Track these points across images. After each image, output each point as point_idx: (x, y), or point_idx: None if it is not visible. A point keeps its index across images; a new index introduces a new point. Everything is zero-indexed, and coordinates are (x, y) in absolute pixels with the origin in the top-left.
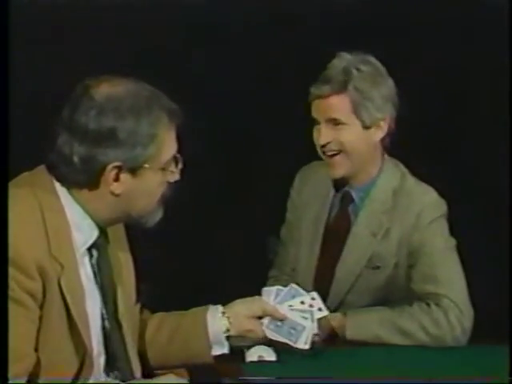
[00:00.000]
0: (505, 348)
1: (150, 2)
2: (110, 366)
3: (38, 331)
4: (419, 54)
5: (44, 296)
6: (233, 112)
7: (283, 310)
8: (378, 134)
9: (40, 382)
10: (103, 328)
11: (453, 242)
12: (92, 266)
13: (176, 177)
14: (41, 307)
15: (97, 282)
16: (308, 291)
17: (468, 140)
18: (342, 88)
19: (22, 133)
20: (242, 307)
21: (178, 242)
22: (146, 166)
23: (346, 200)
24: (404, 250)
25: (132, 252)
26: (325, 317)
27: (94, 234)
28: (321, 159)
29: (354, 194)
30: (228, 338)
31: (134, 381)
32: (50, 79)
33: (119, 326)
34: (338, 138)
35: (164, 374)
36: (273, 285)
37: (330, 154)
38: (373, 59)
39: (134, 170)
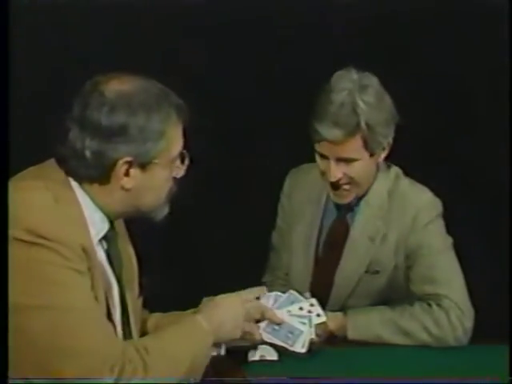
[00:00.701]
0: (505, 348)
1: (150, 1)
2: None
3: None
4: (418, 53)
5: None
6: (234, 110)
7: (281, 314)
8: (382, 155)
9: (40, 382)
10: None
11: (450, 240)
12: (105, 256)
13: (182, 172)
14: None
15: (112, 273)
16: (305, 296)
17: (468, 139)
18: (357, 130)
19: (22, 132)
20: None
21: (178, 242)
22: (156, 161)
23: (344, 208)
24: (402, 253)
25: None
26: (324, 322)
27: (105, 226)
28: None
29: (351, 203)
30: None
31: None
32: (50, 79)
33: (127, 317)
34: (349, 174)
35: None
36: (268, 290)
37: (338, 186)
38: (371, 79)
39: (143, 165)
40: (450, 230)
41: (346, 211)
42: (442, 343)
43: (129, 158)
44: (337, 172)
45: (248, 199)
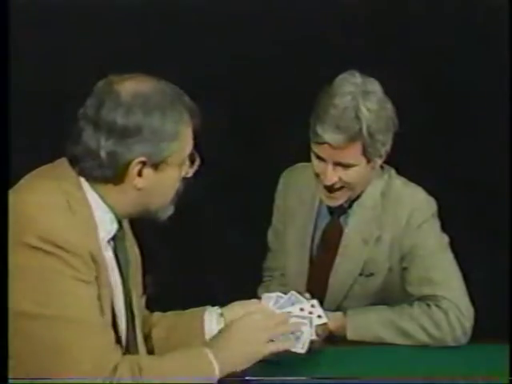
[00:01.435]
0: (505, 348)
1: (151, 1)
2: None
3: None
4: (418, 54)
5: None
6: (240, 109)
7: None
8: (379, 162)
9: (40, 382)
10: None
11: (446, 239)
12: (113, 257)
13: (191, 173)
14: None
15: (119, 273)
16: (306, 297)
17: (468, 139)
18: (357, 137)
19: (22, 132)
20: (240, 309)
21: (178, 242)
22: (169, 161)
23: (338, 210)
24: (397, 254)
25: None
26: (324, 323)
27: (114, 227)
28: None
29: (344, 204)
30: None
31: None
32: (50, 79)
33: (133, 316)
34: (345, 179)
35: None
36: (264, 290)
37: (331, 189)
38: (374, 84)
39: (156, 166)
40: (449, 229)
41: (339, 213)
42: (442, 343)
43: (143, 158)
44: (333, 176)
45: (251, 198)
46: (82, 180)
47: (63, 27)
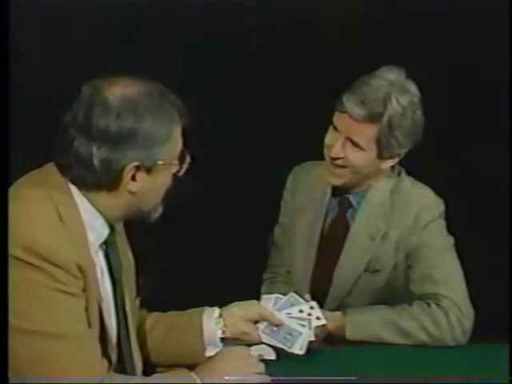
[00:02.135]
0: (505, 347)
1: (151, 2)
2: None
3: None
4: (418, 54)
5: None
6: (233, 109)
7: (280, 316)
8: (389, 163)
9: (40, 381)
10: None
11: (451, 240)
12: (104, 261)
13: (182, 171)
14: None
15: (110, 277)
16: (305, 299)
17: (468, 139)
18: (377, 119)
19: (22, 133)
20: (239, 310)
21: (178, 242)
22: (160, 162)
23: (344, 205)
24: (402, 252)
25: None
26: (323, 325)
27: (105, 231)
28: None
29: (352, 199)
30: (223, 339)
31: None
32: (50, 79)
33: (126, 319)
34: (350, 158)
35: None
36: (268, 287)
37: (335, 164)
38: (415, 88)
39: (149, 168)
40: (450, 229)
41: (346, 208)
42: (441, 343)
43: (136, 163)
44: (340, 150)
45: (247, 198)
46: (72, 186)
47: (63, 27)
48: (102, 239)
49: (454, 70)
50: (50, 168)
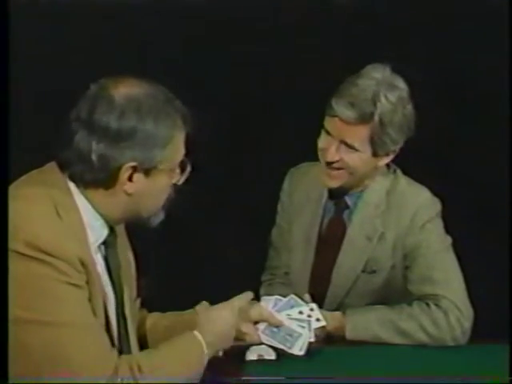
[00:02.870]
0: (505, 347)
1: (151, 2)
2: None
3: None
4: (418, 54)
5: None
6: (235, 111)
7: (280, 317)
8: (385, 160)
9: (40, 381)
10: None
11: (448, 240)
12: (103, 261)
13: (182, 179)
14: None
15: (109, 278)
16: (305, 300)
17: (468, 139)
18: (369, 119)
19: (22, 133)
20: (239, 310)
21: (178, 242)
22: (160, 167)
23: (341, 206)
24: (399, 252)
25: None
26: (323, 326)
27: (105, 232)
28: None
29: (348, 200)
30: None
31: None
32: (50, 79)
33: (125, 319)
34: (346, 160)
35: None
36: (266, 289)
37: (331, 167)
38: (402, 83)
39: (147, 171)
40: (449, 229)
41: (342, 209)
42: (440, 343)
43: (134, 163)
44: (335, 154)
45: (248, 198)
46: (72, 186)
47: (63, 27)
48: (101, 240)
49: (454, 69)
50: (52, 167)
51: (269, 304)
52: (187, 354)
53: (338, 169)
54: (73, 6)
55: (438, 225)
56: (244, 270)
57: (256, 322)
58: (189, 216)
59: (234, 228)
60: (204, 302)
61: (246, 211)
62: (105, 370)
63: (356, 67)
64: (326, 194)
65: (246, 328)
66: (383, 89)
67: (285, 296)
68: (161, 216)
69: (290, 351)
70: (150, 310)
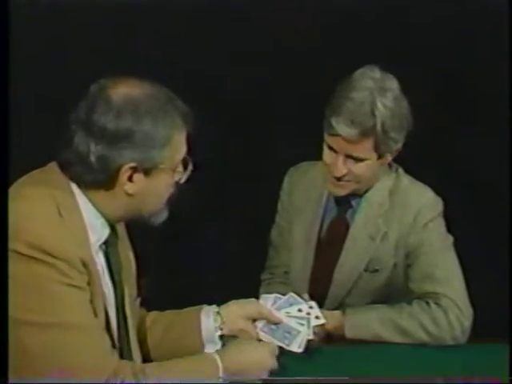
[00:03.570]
0: (504, 347)
1: (151, 2)
2: None
3: None
4: (418, 53)
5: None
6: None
7: (279, 315)
8: (389, 158)
9: (40, 381)
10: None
11: (450, 239)
12: (104, 261)
13: (184, 178)
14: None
15: (109, 277)
16: (304, 299)
17: (468, 139)
18: (371, 132)
19: (22, 133)
20: (237, 307)
21: (178, 242)
22: (160, 167)
23: (344, 206)
24: (402, 251)
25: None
26: (322, 324)
27: (106, 232)
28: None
29: (351, 200)
30: (222, 337)
31: None
32: (50, 79)
33: (125, 319)
34: (354, 171)
35: None
36: (266, 288)
37: (340, 179)
38: (392, 82)
39: (147, 171)
40: (450, 229)
41: (345, 209)
42: (440, 342)
43: (133, 164)
44: (343, 168)
45: (248, 198)
46: (73, 186)
47: (63, 27)
48: (103, 239)
49: (454, 68)
50: (53, 167)
51: (268, 302)
52: (199, 373)
53: (347, 181)
54: (73, 6)
55: (440, 224)
56: (244, 270)
57: (254, 320)
58: (189, 216)
59: (235, 227)
60: (205, 305)
61: (246, 210)
62: (104, 372)
63: (355, 67)
64: (326, 194)
65: (245, 325)
66: (378, 95)
67: (284, 294)
68: (164, 215)
69: (289, 348)
70: (150, 310)
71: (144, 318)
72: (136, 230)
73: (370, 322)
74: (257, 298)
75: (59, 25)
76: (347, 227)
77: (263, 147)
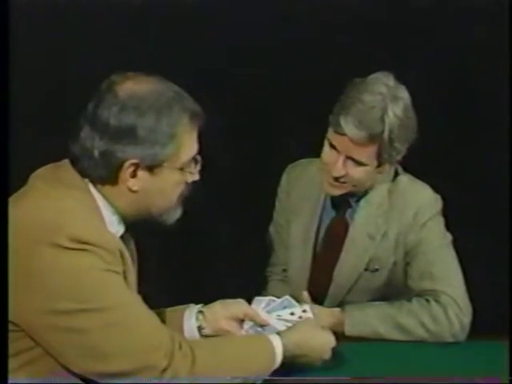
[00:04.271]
0: (504, 344)
1: (151, 2)
2: None
3: None
4: (417, 54)
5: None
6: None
7: (269, 318)
8: (387, 168)
9: (40, 382)
10: None
11: (449, 237)
12: None
13: (195, 177)
14: None
15: None
16: (303, 297)
17: (468, 138)
18: (377, 138)
19: (22, 133)
20: (221, 307)
21: (178, 242)
22: (164, 164)
23: (343, 206)
24: (401, 250)
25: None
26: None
27: (121, 228)
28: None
29: (350, 200)
30: (206, 336)
31: None
32: (50, 79)
33: None
34: (352, 175)
35: None
36: (266, 285)
37: (336, 180)
38: (404, 92)
39: (151, 168)
40: (450, 227)
41: (345, 209)
42: (439, 339)
43: (135, 160)
44: (342, 169)
45: (248, 198)
46: (87, 182)
47: (63, 27)
48: (119, 235)
49: (454, 68)
50: (66, 165)
51: (261, 304)
52: (249, 347)
53: (344, 182)
54: (73, 6)
55: (439, 222)
56: (244, 269)
57: (242, 321)
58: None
59: (234, 227)
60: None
61: (247, 209)
62: (163, 341)
63: (358, 69)
64: (324, 192)
65: (228, 325)
66: (390, 103)
67: (283, 294)
68: (176, 214)
69: None
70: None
71: None
72: (135, 229)
73: (370, 319)
74: (259, 295)
75: (59, 25)
76: (346, 227)
77: (275, 145)
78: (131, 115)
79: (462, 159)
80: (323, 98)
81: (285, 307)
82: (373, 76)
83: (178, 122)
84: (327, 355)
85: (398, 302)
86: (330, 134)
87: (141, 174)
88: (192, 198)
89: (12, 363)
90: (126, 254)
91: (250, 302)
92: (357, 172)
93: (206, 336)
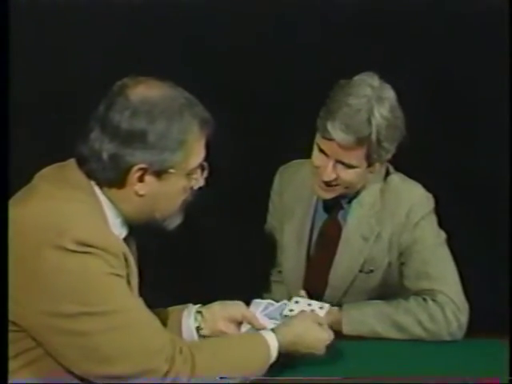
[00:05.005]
0: (503, 342)
1: (151, 2)
2: None
3: None
4: (418, 53)
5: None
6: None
7: (267, 322)
8: (377, 167)
9: (40, 382)
10: None
11: (443, 236)
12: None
13: (200, 183)
14: None
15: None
16: (301, 295)
17: (468, 138)
18: (365, 141)
19: (22, 133)
20: (220, 308)
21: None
22: (172, 170)
23: (335, 208)
24: (395, 250)
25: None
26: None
27: (124, 231)
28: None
29: (342, 201)
30: (204, 337)
31: None
32: (50, 79)
33: None
34: (343, 177)
35: None
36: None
37: (328, 184)
38: (390, 92)
39: (159, 174)
40: (449, 226)
41: (337, 210)
42: (437, 338)
43: (143, 165)
44: (332, 173)
45: (248, 198)
46: (93, 184)
47: (63, 27)
48: (122, 237)
49: (454, 68)
50: (72, 165)
51: (259, 307)
52: (247, 346)
53: (335, 185)
54: (73, 6)
55: (433, 221)
56: (244, 270)
57: (240, 323)
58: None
59: (235, 227)
60: (190, 304)
61: (247, 210)
62: (164, 344)
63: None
64: (315, 194)
65: (225, 327)
66: (376, 104)
67: (280, 295)
68: (178, 219)
69: None
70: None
71: None
72: (135, 229)
73: (367, 318)
74: (259, 297)
75: (59, 25)
76: (340, 229)
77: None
78: (142, 120)
79: (462, 159)
80: (323, 98)
81: (281, 312)
82: (357, 77)
83: (189, 128)
84: (321, 351)
85: (395, 300)
86: (319, 138)
87: (148, 178)
88: (192, 198)
89: (13, 364)
90: (130, 257)
91: (249, 302)
92: (348, 174)
93: (204, 336)
